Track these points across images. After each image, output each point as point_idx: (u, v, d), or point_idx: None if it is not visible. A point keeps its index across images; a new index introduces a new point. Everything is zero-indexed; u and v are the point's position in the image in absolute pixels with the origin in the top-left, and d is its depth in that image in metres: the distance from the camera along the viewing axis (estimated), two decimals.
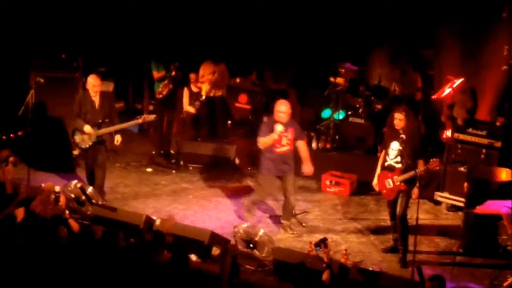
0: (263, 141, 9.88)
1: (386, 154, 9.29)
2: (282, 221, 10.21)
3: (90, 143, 10.74)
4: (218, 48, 13.86)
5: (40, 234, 7.50)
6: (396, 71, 12.62)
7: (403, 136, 9.07)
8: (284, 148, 9.90)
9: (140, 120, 11.17)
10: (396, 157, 9.17)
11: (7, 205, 7.90)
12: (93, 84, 10.75)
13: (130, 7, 14.44)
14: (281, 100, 10.14)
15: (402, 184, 9.09)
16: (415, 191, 9.06)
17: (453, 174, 10.73)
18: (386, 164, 9.28)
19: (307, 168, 10.16)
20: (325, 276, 7.23)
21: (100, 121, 10.71)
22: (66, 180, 10.86)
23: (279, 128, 9.74)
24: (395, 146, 9.18)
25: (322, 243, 7.59)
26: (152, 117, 11.22)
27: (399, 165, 9.13)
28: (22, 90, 12.44)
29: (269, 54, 13.89)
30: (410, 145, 9.07)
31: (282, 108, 9.83)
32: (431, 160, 8.94)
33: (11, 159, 8.93)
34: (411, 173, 8.98)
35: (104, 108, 10.80)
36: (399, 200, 9.19)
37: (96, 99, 10.79)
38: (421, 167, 8.95)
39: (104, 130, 10.73)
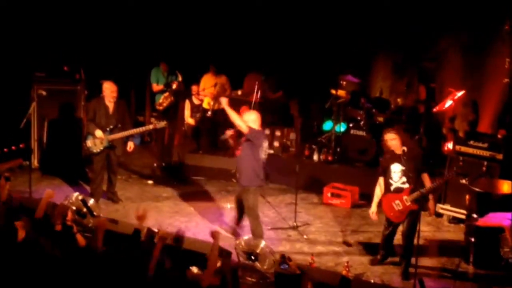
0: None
1: (389, 178, 9.12)
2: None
3: (102, 148, 11.02)
4: (219, 59, 13.88)
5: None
6: (401, 83, 12.60)
7: (403, 154, 8.98)
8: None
9: (151, 126, 11.47)
10: (401, 178, 9.04)
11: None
12: (111, 90, 11.06)
13: (131, 19, 14.48)
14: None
15: (413, 203, 8.95)
16: (431, 207, 9.03)
17: (454, 186, 10.73)
18: (392, 188, 9.10)
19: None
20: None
21: (112, 126, 10.90)
22: (68, 192, 10.87)
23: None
24: (397, 168, 9.05)
25: (283, 260, 7.63)
26: (163, 123, 11.35)
27: (406, 185, 8.99)
28: (24, 103, 12.50)
29: (271, 66, 13.88)
30: (411, 161, 8.99)
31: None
32: (437, 178, 8.93)
33: (6, 174, 8.93)
34: (420, 192, 8.83)
35: (118, 114, 11.08)
36: (407, 219, 9.06)
37: (111, 105, 11.06)
38: (427, 181, 8.91)
39: (115, 135, 11.00)
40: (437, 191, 10.58)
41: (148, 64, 13.72)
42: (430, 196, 9.09)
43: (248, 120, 9.54)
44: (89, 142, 11.04)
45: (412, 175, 8.96)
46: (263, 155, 9.70)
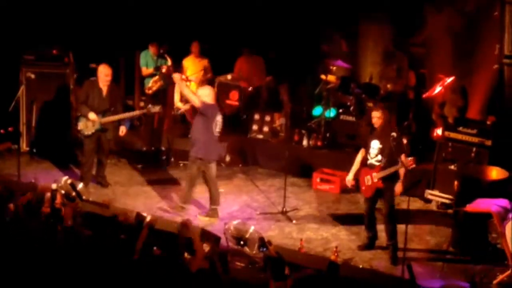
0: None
1: (367, 153, 9.40)
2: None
3: (93, 130, 11.04)
4: (207, 41, 13.76)
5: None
6: (391, 69, 12.59)
7: (382, 133, 9.21)
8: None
9: (144, 111, 11.53)
10: (376, 155, 9.29)
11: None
12: (105, 73, 11.08)
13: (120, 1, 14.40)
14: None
15: (380, 181, 9.18)
16: (398, 187, 9.11)
17: (443, 172, 10.76)
18: (368, 162, 9.39)
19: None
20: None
21: (104, 109, 10.92)
22: (57, 175, 10.85)
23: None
24: (375, 145, 9.30)
25: (263, 243, 7.68)
26: (157, 108, 11.40)
27: (379, 163, 9.23)
28: (12, 86, 12.44)
29: (260, 48, 13.86)
30: (388, 142, 9.14)
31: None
32: (408, 158, 8.98)
33: None
34: (390, 169, 9.08)
35: (111, 98, 11.12)
36: (384, 199, 9.27)
37: (104, 88, 11.08)
38: (404, 160, 9.00)
39: (108, 119, 11.05)
40: (422, 176, 10.62)
41: (137, 46, 13.63)
42: (401, 177, 9.13)
43: (202, 95, 10.18)
44: (81, 124, 11.03)
45: (385, 155, 9.16)
46: (217, 129, 10.20)
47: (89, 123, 10.96)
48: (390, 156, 9.14)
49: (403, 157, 9.03)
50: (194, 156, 10.26)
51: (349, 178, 9.62)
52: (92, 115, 10.90)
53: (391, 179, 9.17)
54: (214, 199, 10.39)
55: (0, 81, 13.02)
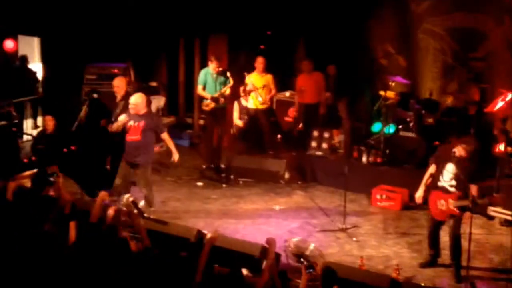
0: (111, 126, 10.57)
1: (440, 174, 9.11)
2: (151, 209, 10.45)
3: None
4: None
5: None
6: (452, 84, 12.45)
7: (461, 161, 8.89)
8: (133, 137, 10.43)
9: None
10: (451, 180, 9.00)
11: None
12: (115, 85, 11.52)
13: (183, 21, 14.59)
14: (135, 93, 10.77)
15: (457, 210, 8.91)
16: (467, 216, 8.91)
17: (506, 188, 10.57)
18: (439, 184, 9.10)
19: (175, 155, 10.68)
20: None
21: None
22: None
23: (121, 117, 10.46)
24: (450, 169, 9.01)
25: (309, 265, 7.61)
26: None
27: (453, 189, 8.96)
28: (73, 105, 12.68)
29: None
30: (467, 171, 8.90)
31: (132, 100, 10.48)
32: (495, 195, 8.79)
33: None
34: (467, 201, 8.75)
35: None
36: (452, 220, 9.05)
37: (118, 99, 11.42)
38: (473, 192, 8.79)
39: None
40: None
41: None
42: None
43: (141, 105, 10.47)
44: None
45: (463, 182, 8.88)
46: None
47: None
48: (466, 182, 8.86)
49: (474, 191, 8.82)
50: (141, 164, 10.51)
51: (420, 195, 9.35)
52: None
53: (465, 208, 8.86)
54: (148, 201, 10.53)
55: (62, 100, 13.29)
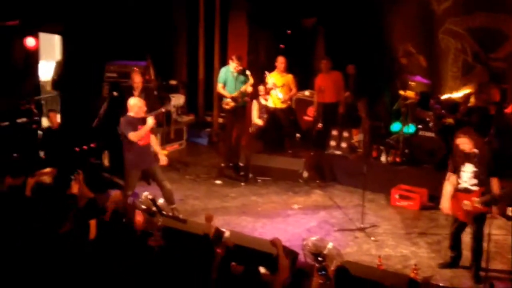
0: (137, 135, 10.24)
1: (458, 177, 9.03)
2: (171, 206, 10.42)
3: None
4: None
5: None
6: (474, 84, 12.38)
7: (474, 155, 8.84)
8: (145, 141, 10.35)
9: (163, 109, 11.69)
10: (471, 179, 8.93)
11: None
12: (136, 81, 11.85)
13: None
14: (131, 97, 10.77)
15: (482, 206, 8.80)
16: (495, 210, 8.85)
17: None
18: (460, 187, 9.02)
19: (162, 158, 10.60)
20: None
21: None
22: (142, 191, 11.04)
23: (150, 121, 10.28)
24: (468, 169, 8.94)
25: (321, 267, 7.59)
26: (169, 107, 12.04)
27: (475, 187, 8.88)
28: (93, 100, 12.75)
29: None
30: (483, 164, 8.85)
31: (140, 103, 10.34)
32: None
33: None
34: (489, 196, 8.70)
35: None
36: (475, 222, 8.96)
37: (136, 93, 11.64)
38: (495, 185, 8.75)
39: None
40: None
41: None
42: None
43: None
44: None
45: (483, 177, 8.83)
46: None
47: None
48: (486, 178, 8.80)
49: (495, 182, 8.77)
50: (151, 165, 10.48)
51: (446, 206, 9.19)
52: None
53: (489, 203, 8.79)
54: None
55: (83, 97, 13.36)
